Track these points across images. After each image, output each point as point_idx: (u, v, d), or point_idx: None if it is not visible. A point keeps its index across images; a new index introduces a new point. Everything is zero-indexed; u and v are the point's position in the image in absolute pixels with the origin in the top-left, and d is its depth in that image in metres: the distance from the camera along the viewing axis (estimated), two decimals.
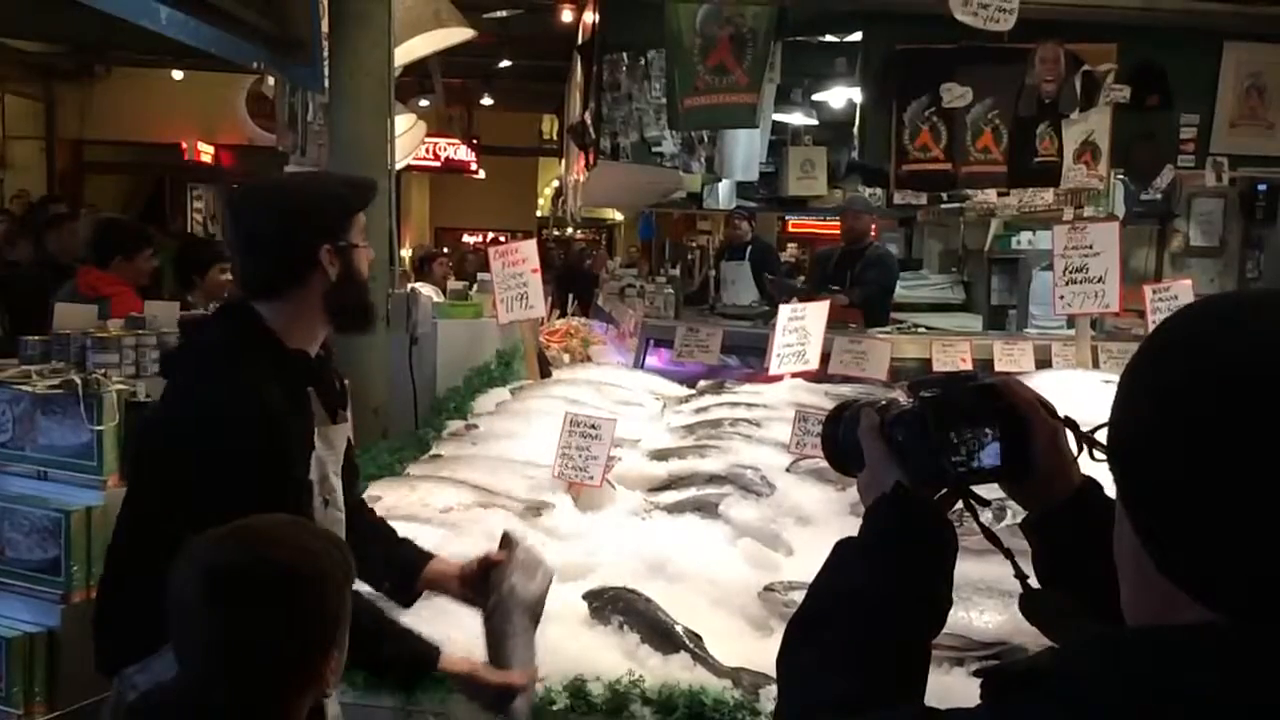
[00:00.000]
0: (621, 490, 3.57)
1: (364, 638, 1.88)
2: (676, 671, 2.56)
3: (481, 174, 18.69)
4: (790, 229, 16.15)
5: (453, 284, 7.03)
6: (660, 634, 2.67)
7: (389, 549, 2.56)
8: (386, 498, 3.24)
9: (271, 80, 6.69)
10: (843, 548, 1.29)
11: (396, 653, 2.27)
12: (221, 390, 2.13)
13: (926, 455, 1.25)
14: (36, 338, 3.47)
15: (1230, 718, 0.76)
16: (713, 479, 3.58)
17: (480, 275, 6.03)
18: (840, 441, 1.40)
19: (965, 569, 1.40)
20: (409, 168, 11.24)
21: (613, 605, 2.79)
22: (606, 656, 2.63)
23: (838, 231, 8.53)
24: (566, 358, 5.50)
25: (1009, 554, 1.30)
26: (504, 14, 10.16)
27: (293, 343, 2.25)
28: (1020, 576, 1.29)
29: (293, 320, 2.24)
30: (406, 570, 2.51)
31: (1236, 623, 0.80)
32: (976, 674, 0.98)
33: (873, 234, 8.18)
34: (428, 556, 2.55)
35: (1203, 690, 0.77)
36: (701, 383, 5.06)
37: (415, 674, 2.34)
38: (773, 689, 2.50)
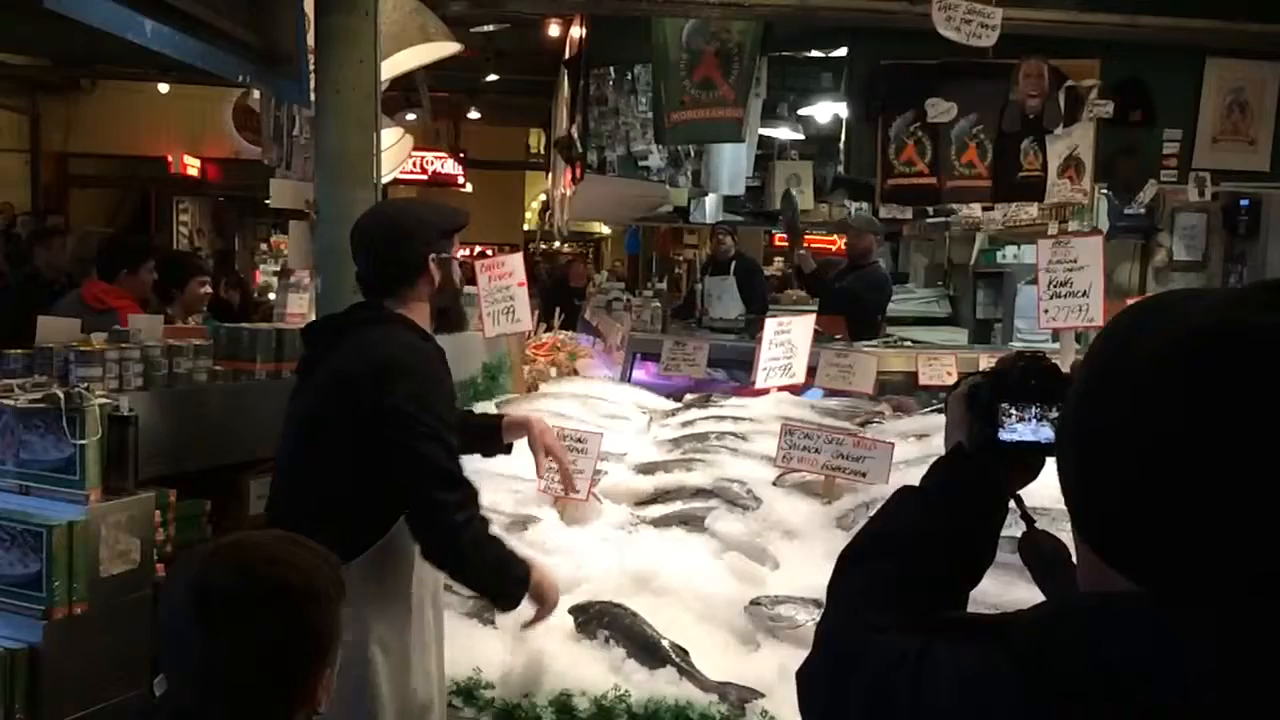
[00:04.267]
0: (608, 504, 3.57)
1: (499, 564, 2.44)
2: (662, 686, 2.56)
3: (468, 188, 18.67)
4: (777, 242, 16.18)
5: None
6: (646, 648, 2.67)
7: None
8: None
9: (257, 94, 6.67)
10: (901, 493, 1.43)
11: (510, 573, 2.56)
12: (407, 337, 2.53)
13: (979, 424, 1.38)
14: (19, 351, 3.45)
15: (1136, 685, 0.82)
16: (699, 493, 3.58)
17: (467, 289, 6.02)
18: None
19: None
20: (396, 181, 11.23)
21: (599, 619, 2.78)
22: (592, 671, 2.62)
23: (824, 246, 8.54)
24: (553, 371, 5.49)
25: (1019, 499, 1.42)
26: (491, 28, 10.16)
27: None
28: (1026, 518, 1.42)
29: (409, 313, 2.60)
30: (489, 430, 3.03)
31: (1154, 596, 0.87)
32: (949, 619, 1.06)
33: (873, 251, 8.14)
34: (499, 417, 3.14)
35: (1115, 660, 0.84)
36: (688, 396, 5.06)
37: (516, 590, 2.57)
38: (759, 703, 2.50)
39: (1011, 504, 1.43)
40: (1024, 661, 0.89)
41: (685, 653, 2.66)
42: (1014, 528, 1.43)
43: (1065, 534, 1.42)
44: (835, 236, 15.51)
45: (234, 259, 15.05)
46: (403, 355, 2.47)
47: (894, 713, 0.99)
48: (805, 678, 1.21)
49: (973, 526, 1.35)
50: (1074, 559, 1.22)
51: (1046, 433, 1.35)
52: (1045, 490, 1.46)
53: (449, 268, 2.69)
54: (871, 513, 3.25)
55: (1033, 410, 1.35)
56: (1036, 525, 1.41)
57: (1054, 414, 1.34)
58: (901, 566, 1.30)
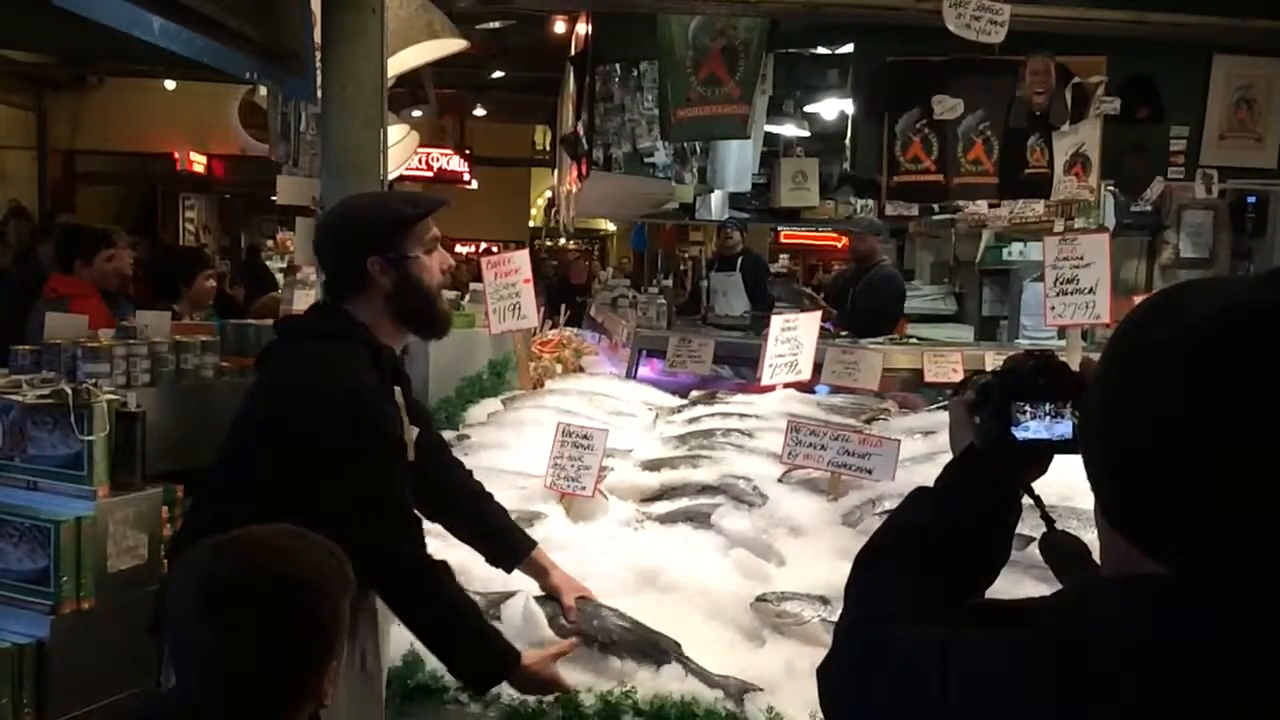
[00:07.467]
0: (614, 500, 3.57)
1: (470, 636, 2.30)
2: (668, 683, 2.56)
3: (474, 184, 18.68)
4: (782, 239, 16.18)
5: (446, 294, 7.03)
6: (649, 646, 2.67)
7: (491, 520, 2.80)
8: None
9: (264, 90, 6.68)
10: (916, 493, 1.45)
11: (492, 650, 2.38)
12: (339, 366, 2.28)
13: (991, 422, 1.40)
14: (27, 347, 3.46)
15: (1155, 662, 0.83)
16: (705, 489, 3.58)
17: (473, 285, 6.03)
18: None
19: None
20: (402, 178, 11.24)
21: (589, 622, 2.77)
22: (599, 668, 2.62)
23: (830, 243, 8.57)
24: (559, 368, 5.49)
25: (1038, 500, 1.45)
26: (497, 25, 10.17)
27: (381, 339, 2.41)
28: (1046, 519, 1.44)
29: (369, 321, 2.38)
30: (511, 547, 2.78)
31: (1177, 577, 0.88)
32: (972, 608, 1.11)
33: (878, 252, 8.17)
34: (532, 544, 2.82)
35: (1134, 638, 0.85)
36: (694, 393, 5.06)
37: (496, 673, 2.40)
38: (762, 699, 2.50)
39: (1030, 503, 1.44)
40: (1047, 643, 0.90)
41: (678, 646, 2.66)
42: (1022, 525, 1.44)
43: (1075, 533, 1.43)
44: (838, 234, 15.53)
45: (260, 255, 14.91)
46: (336, 393, 2.24)
47: (922, 702, 1.00)
48: (826, 673, 1.22)
49: (989, 523, 1.37)
50: (1094, 556, 1.23)
51: (1059, 429, 1.36)
52: (1053, 489, 1.47)
53: (404, 268, 2.36)
54: (878, 510, 3.26)
55: (1045, 407, 1.37)
56: (1055, 526, 1.42)
57: (1067, 410, 1.35)
58: (920, 565, 1.32)
